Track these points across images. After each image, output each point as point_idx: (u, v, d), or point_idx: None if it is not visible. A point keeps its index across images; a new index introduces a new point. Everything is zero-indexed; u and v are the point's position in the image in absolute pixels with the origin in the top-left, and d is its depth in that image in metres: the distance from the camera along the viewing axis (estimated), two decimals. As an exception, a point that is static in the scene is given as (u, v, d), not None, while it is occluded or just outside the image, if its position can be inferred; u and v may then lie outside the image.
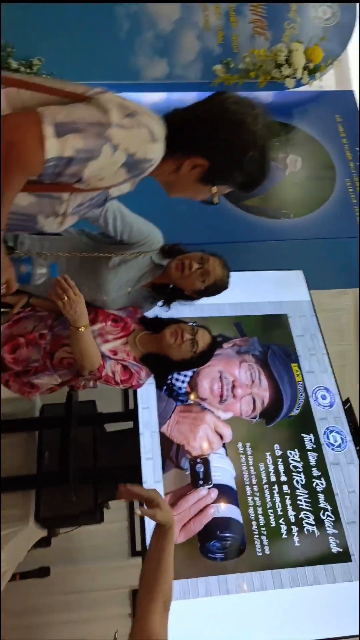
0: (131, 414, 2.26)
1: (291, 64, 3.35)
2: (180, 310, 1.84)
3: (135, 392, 2.24)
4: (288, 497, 2.06)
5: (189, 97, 3.80)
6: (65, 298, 1.43)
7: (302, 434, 2.23)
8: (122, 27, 3.42)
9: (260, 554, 1.92)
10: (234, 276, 2.79)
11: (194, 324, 1.71)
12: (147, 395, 2.23)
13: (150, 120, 1.10)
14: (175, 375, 2.33)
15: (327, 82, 3.89)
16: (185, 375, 2.33)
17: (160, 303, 1.85)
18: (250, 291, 2.69)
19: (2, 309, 1.71)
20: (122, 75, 3.42)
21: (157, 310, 1.85)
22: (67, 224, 1.17)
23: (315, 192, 3.25)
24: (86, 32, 3.32)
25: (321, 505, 2.04)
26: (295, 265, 2.91)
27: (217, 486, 2.04)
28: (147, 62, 3.44)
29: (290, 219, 3.19)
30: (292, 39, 3.57)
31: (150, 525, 1.42)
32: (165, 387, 2.29)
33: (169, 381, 2.31)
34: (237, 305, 2.62)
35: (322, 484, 2.10)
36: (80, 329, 1.48)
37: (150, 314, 1.85)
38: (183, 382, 2.32)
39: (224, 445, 2.17)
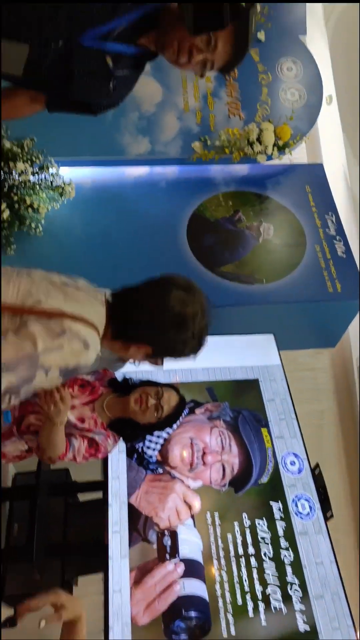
0: (101, 484, 2.27)
1: (262, 142, 3.61)
2: (153, 375, 1.88)
3: (105, 462, 2.25)
4: (255, 570, 2.03)
5: (170, 170, 4.05)
6: (53, 407, 1.38)
7: (271, 502, 2.23)
8: (106, 110, 3.71)
9: (225, 634, 1.87)
10: (208, 340, 2.90)
11: (160, 389, 1.71)
12: (118, 464, 2.25)
13: (82, 329, 1.18)
14: (147, 443, 2.36)
15: (299, 154, 4.16)
16: (156, 444, 2.36)
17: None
18: (223, 355, 2.77)
19: None
20: (108, 151, 3.68)
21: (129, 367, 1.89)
22: None
23: (287, 258, 3.41)
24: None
25: (289, 579, 2.01)
26: (268, 328, 3.01)
27: (184, 560, 2.02)
28: (131, 140, 3.71)
29: (264, 284, 3.33)
30: (264, 119, 3.87)
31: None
32: (135, 455, 2.31)
33: (139, 449, 2.34)
34: (209, 370, 2.68)
35: (289, 555, 2.08)
36: (58, 424, 1.43)
37: (120, 373, 1.88)
38: (154, 450, 2.34)
39: (192, 516, 2.16)
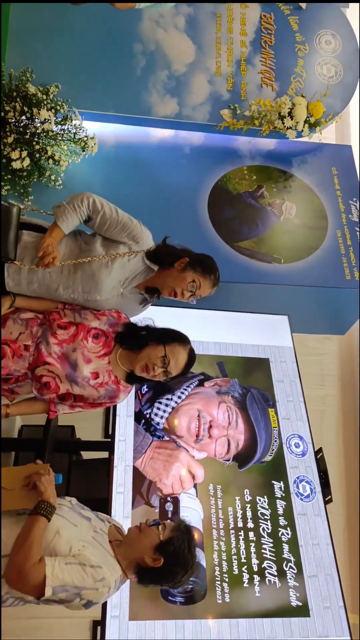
0: (108, 444, 2.27)
1: (293, 117, 3.50)
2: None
3: (113, 424, 2.25)
4: (253, 544, 2.08)
5: (195, 137, 3.94)
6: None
7: (273, 481, 2.26)
8: (138, 64, 3.55)
9: (220, 601, 1.92)
10: (221, 316, 2.87)
11: (165, 355, 1.62)
12: (125, 427, 2.25)
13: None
14: (154, 410, 2.36)
15: (327, 134, 4.05)
16: (164, 412, 2.36)
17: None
18: (235, 332, 2.75)
19: None
20: (134, 110, 3.54)
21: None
22: None
23: (307, 240, 3.36)
24: (104, 64, 3.45)
25: (285, 555, 2.06)
26: (282, 309, 2.99)
27: (184, 527, 2.05)
28: (159, 100, 3.57)
29: (280, 264, 3.29)
30: (297, 92, 3.74)
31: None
32: (143, 421, 2.31)
33: (147, 416, 2.34)
34: (221, 345, 2.67)
35: (287, 533, 2.12)
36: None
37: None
38: (161, 417, 2.35)
39: (195, 486, 2.19)
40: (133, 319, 1.81)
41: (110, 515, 2.00)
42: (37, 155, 3.11)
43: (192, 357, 1.69)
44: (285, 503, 2.20)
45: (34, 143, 3.08)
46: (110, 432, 3.05)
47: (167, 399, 2.40)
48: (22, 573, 1.20)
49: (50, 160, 3.14)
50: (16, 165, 3.00)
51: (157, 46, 3.63)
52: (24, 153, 3.01)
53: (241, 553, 2.04)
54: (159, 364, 1.61)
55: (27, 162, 3.04)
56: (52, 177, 3.17)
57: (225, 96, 3.71)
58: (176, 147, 3.67)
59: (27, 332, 1.70)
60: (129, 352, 1.69)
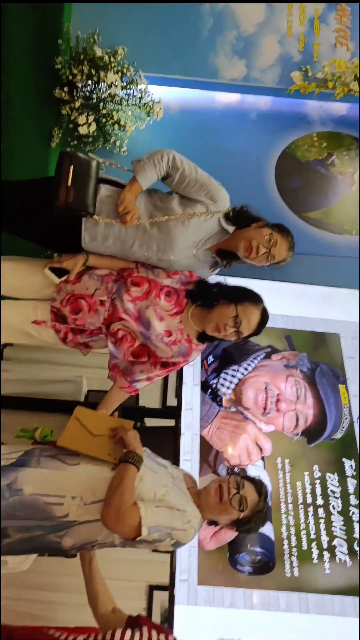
0: (173, 412, 2.26)
1: (372, 78, 3.27)
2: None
3: (180, 392, 2.23)
4: (323, 521, 2.02)
5: (262, 101, 3.77)
6: None
7: (343, 459, 2.18)
8: (205, 25, 3.40)
9: (289, 574, 1.89)
10: (289, 288, 2.77)
11: (237, 315, 1.57)
12: (192, 396, 2.23)
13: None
14: (221, 381, 2.32)
15: None
16: (230, 382, 2.32)
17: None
18: (304, 305, 2.65)
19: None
20: (200, 72, 3.41)
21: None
22: None
23: (381, 212, 3.17)
24: (170, 26, 3.33)
25: (356, 535, 2.00)
26: (352, 283, 2.85)
27: (251, 498, 2.02)
28: (226, 62, 3.41)
29: (351, 236, 3.12)
30: (375, 52, 3.48)
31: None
32: (210, 390, 2.28)
33: (213, 386, 2.30)
34: (289, 318, 2.58)
35: (358, 512, 2.05)
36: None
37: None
38: (228, 388, 2.30)
39: (262, 458, 2.14)
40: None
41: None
42: (103, 121, 3.07)
43: (265, 316, 1.64)
44: (356, 482, 2.12)
45: (100, 108, 3.03)
46: (167, 402, 3.08)
47: (234, 369, 2.36)
48: (120, 515, 1.25)
49: (116, 126, 3.09)
50: (83, 130, 2.97)
51: (225, 6, 3.46)
52: (91, 118, 2.97)
53: (310, 529, 1.99)
54: (230, 324, 1.57)
55: (93, 127, 3.00)
56: (117, 144, 3.13)
57: (296, 57, 3.50)
58: (242, 113, 3.52)
59: (103, 288, 1.70)
60: (200, 310, 1.66)
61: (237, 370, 2.35)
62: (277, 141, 3.43)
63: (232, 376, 2.33)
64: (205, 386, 2.29)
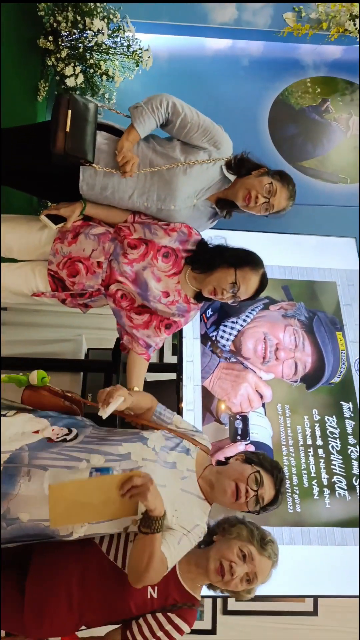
0: (174, 366, 2.31)
1: (368, 17, 3.14)
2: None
3: (180, 346, 2.27)
4: (322, 460, 2.11)
5: (254, 47, 3.63)
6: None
7: (342, 402, 2.25)
8: (192, -36, 3.24)
9: (291, 510, 1.99)
10: (285, 239, 2.76)
11: (235, 281, 1.56)
12: (192, 349, 2.27)
13: None
14: (220, 333, 2.35)
15: None
16: (229, 334, 2.35)
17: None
18: (301, 255, 2.65)
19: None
20: (189, 17, 3.27)
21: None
22: None
23: (377, 159, 3.12)
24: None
25: (355, 471, 2.09)
26: (348, 232, 2.84)
27: (254, 443, 2.10)
28: (216, 5, 3.27)
29: (347, 184, 3.09)
30: (371, -11, 3.33)
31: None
32: (209, 343, 2.32)
33: (213, 338, 2.34)
34: (286, 269, 2.59)
35: (356, 451, 2.14)
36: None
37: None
38: (227, 340, 2.34)
39: (263, 405, 2.21)
40: (205, 238, 1.76)
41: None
42: (91, 72, 2.96)
43: (263, 282, 1.63)
44: (354, 423, 2.20)
45: (87, 58, 2.92)
46: (164, 358, 3.12)
47: (233, 322, 2.39)
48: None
49: (104, 77, 2.99)
50: (70, 82, 2.87)
51: None
52: (78, 69, 2.87)
53: (311, 468, 2.08)
54: (227, 289, 1.57)
55: (80, 79, 2.90)
56: (106, 96, 3.03)
57: (288, -3, 3.36)
58: (234, 59, 3.41)
59: (100, 249, 1.68)
60: (199, 274, 1.66)
61: (236, 322, 2.38)
62: (270, 88, 3.33)
63: (232, 328, 2.37)
64: (205, 339, 2.32)
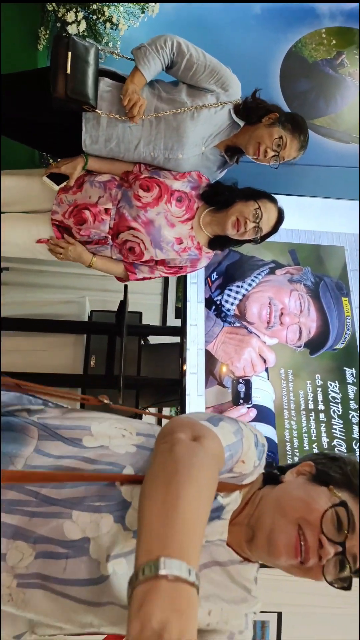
0: (179, 329, 2.30)
1: None
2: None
3: (184, 310, 2.26)
4: (323, 424, 2.14)
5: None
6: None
7: (345, 368, 2.25)
8: None
9: (291, 471, 2.04)
10: (293, 201, 2.69)
11: (259, 209, 1.57)
12: (196, 313, 2.26)
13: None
14: (225, 297, 2.33)
15: None
16: (234, 298, 2.33)
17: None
18: (309, 218, 2.59)
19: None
20: None
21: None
22: None
23: (392, 117, 2.99)
24: None
25: (355, 435, 2.12)
26: (357, 195, 2.76)
27: (256, 407, 2.12)
28: None
29: (359, 144, 2.98)
30: None
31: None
32: (214, 307, 2.30)
33: (218, 302, 2.32)
34: (293, 232, 2.54)
35: (357, 416, 2.17)
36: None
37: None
38: (232, 304, 2.33)
39: (266, 369, 2.22)
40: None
41: (185, 394, 2.08)
42: (94, 18, 2.80)
43: (282, 215, 1.65)
44: (356, 388, 2.21)
45: (90, 3, 2.75)
46: (167, 321, 3.12)
47: (238, 286, 2.36)
48: None
49: (108, 24, 2.83)
50: (72, 30, 2.72)
51: None
52: (80, 15, 2.71)
53: (312, 432, 2.11)
54: (251, 218, 1.56)
55: (83, 26, 2.75)
56: (110, 45, 2.88)
57: None
58: (245, 7, 3.20)
59: (107, 195, 1.64)
60: (215, 213, 1.63)
61: (241, 287, 2.36)
62: (283, 38, 3.15)
63: (236, 292, 2.34)
64: (209, 303, 2.31)
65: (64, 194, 1.67)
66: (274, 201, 1.64)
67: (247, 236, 1.60)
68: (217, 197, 1.64)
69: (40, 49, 2.83)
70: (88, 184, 1.66)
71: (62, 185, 1.63)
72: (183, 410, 2.06)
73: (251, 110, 1.62)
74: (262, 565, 0.84)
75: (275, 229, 1.64)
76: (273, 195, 1.65)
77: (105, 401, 0.99)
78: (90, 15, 2.79)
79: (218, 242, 1.67)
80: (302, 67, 3.11)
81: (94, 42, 2.88)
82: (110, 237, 1.67)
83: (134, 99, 1.51)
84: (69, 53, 1.47)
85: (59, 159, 1.69)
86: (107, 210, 1.64)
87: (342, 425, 2.14)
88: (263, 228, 1.59)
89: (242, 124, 1.64)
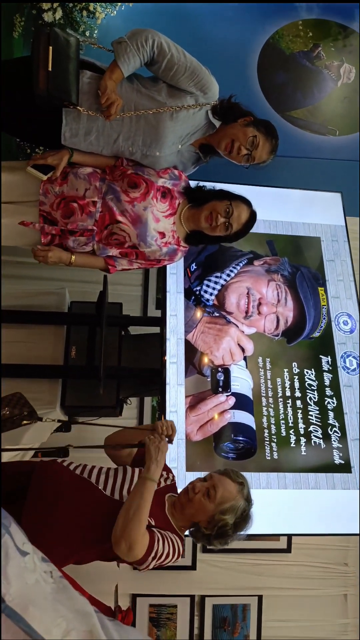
0: (158, 320, 2.32)
1: None
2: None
3: (164, 300, 2.28)
4: (300, 411, 2.19)
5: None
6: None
7: (321, 356, 2.31)
8: None
9: (269, 457, 2.09)
10: (271, 192, 2.73)
11: (230, 205, 1.66)
12: (176, 303, 2.28)
13: None
14: (204, 287, 2.36)
15: None
16: (213, 288, 2.36)
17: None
18: (286, 210, 2.63)
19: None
20: None
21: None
22: None
23: (367, 110, 3.05)
24: None
25: (330, 421, 2.19)
26: (335, 187, 2.81)
27: (235, 394, 2.16)
28: None
29: (336, 137, 3.03)
30: None
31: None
32: (193, 297, 2.33)
33: (197, 292, 2.35)
34: (271, 223, 2.57)
35: (333, 402, 2.23)
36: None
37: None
38: (211, 294, 2.36)
39: (245, 358, 2.26)
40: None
41: (165, 384, 2.11)
42: (70, 6, 2.77)
43: (253, 218, 1.73)
44: (331, 375, 2.27)
45: (66, -10, 2.72)
46: (148, 311, 3.13)
47: (216, 276, 2.39)
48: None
49: (84, 12, 2.80)
50: (48, 17, 2.69)
51: None
52: (56, 3, 2.68)
53: (289, 418, 2.17)
54: (222, 214, 1.65)
55: (59, 13, 2.72)
56: (87, 33, 2.85)
57: None
58: (222, -3, 3.20)
59: (92, 188, 1.66)
60: (194, 209, 1.71)
61: (220, 277, 2.39)
62: (260, 30, 3.17)
63: (215, 282, 2.37)
64: (188, 293, 2.33)
65: (50, 185, 1.67)
66: (248, 204, 1.73)
67: (218, 231, 1.67)
68: (196, 194, 1.73)
69: (15, 37, 2.78)
70: (72, 175, 1.67)
71: (49, 175, 1.64)
72: (163, 399, 2.09)
73: (227, 111, 1.67)
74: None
75: (246, 227, 1.72)
76: (249, 201, 1.75)
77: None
78: (67, 3, 2.76)
79: (194, 237, 1.75)
80: (279, 59, 3.13)
81: (71, 29, 2.86)
82: (96, 229, 1.68)
83: (112, 98, 1.52)
84: (50, 48, 1.46)
85: (40, 147, 1.69)
86: (94, 203, 1.66)
87: (318, 412, 2.20)
88: (233, 225, 1.67)
89: (218, 124, 1.68)
